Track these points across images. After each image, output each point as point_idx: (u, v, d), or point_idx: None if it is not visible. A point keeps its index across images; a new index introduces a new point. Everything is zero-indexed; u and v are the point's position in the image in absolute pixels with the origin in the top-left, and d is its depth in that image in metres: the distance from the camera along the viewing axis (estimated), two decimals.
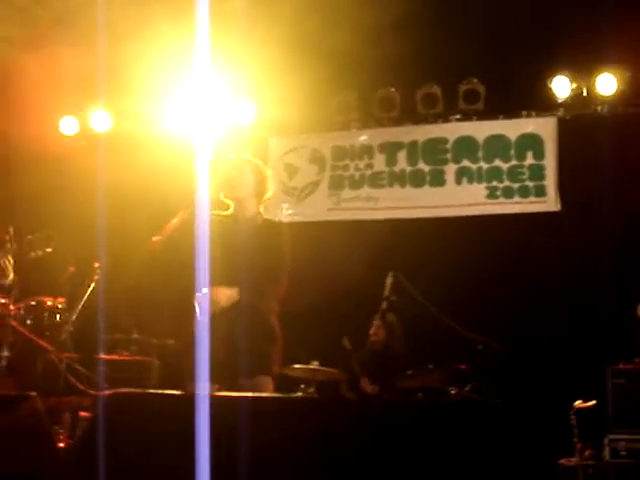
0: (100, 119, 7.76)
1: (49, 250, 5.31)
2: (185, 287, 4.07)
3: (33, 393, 3.55)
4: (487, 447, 2.69)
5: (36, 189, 7.17)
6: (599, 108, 6.93)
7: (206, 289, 3.93)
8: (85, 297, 6.02)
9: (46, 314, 5.87)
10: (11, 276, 5.58)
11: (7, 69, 6.98)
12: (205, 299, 3.94)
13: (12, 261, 5.59)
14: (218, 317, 4.11)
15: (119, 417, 2.52)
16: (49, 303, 5.92)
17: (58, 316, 5.89)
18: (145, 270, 5.65)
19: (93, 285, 6.04)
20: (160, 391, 2.82)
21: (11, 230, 5.55)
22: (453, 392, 5.63)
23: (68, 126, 7.84)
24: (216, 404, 2.57)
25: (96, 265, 6.11)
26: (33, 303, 5.88)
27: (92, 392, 5.82)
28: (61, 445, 4.88)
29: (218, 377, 3.75)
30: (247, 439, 2.51)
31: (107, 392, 5.69)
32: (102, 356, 6.34)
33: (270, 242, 4.34)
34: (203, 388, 3.08)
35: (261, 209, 4.53)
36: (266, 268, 4.24)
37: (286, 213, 7.51)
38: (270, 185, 4.57)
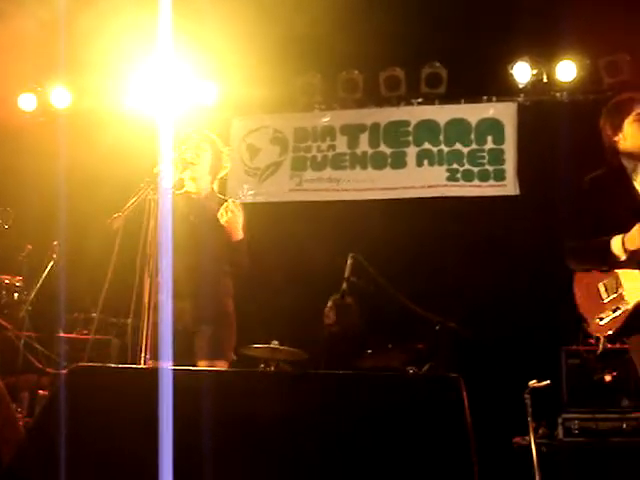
0: (59, 95, 7.65)
1: (6, 227, 5.24)
2: (143, 266, 4.10)
3: None
4: (444, 422, 2.74)
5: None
6: (558, 94, 7.03)
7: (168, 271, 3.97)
8: (43, 275, 5.96)
9: (3, 292, 5.79)
10: None
11: None
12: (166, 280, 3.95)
13: None
14: (178, 297, 4.13)
15: (79, 392, 2.50)
16: (6, 281, 5.84)
17: (16, 295, 5.82)
18: (104, 248, 5.60)
19: (52, 263, 5.99)
20: (121, 365, 2.82)
21: None
22: (411, 371, 5.70)
23: (27, 102, 7.72)
24: (178, 378, 2.59)
25: (55, 243, 6.05)
26: None
27: (50, 370, 5.79)
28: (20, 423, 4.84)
29: (175, 359, 3.80)
30: (209, 413, 2.53)
31: (65, 369, 5.69)
32: (62, 334, 6.31)
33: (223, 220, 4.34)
34: (166, 364, 3.12)
35: (215, 186, 4.52)
36: (220, 248, 4.25)
37: (248, 193, 7.51)
38: (225, 162, 4.57)
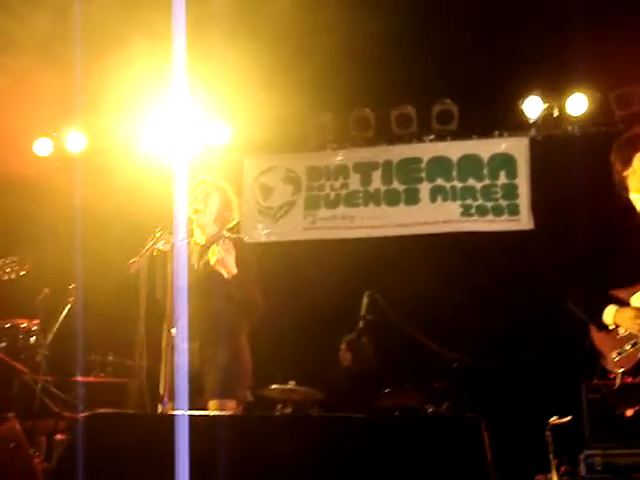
0: (75, 139, 7.73)
1: (23, 273, 5.27)
2: (160, 310, 4.12)
3: (11, 414, 3.51)
4: (464, 463, 2.71)
5: (10, 211, 7.11)
6: (570, 128, 7.05)
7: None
8: (60, 319, 5.97)
9: (21, 336, 5.81)
10: None
11: None
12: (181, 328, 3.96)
13: None
14: (189, 339, 4.15)
15: (97, 438, 2.50)
16: (23, 325, 5.87)
17: (33, 338, 5.84)
18: (120, 291, 5.62)
19: (68, 307, 6.00)
20: (137, 411, 2.81)
21: None
22: (430, 410, 5.65)
23: (42, 147, 7.81)
24: (194, 423, 2.58)
25: (71, 286, 6.07)
26: (7, 325, 5.83)
27: (68, 415, 5.77)
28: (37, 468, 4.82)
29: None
30: (226, 457, 2.52)
31: (84, 414, 5.68)
32: (79, 378, 6.30)
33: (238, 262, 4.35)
34: (182, 409, 3.11)
35: (223, 232, 4.52)
36: (231, 292, 4.25)
37: (262, 233, 7.53)
38: (235, 213, 4.59)
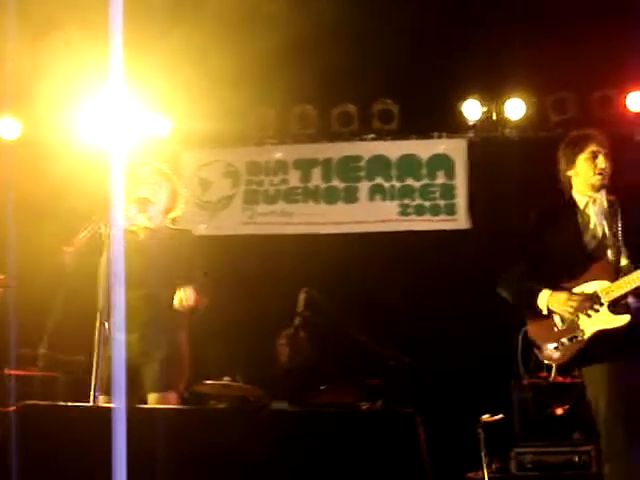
0: (9, 126, 7.52)
1: None
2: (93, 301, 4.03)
3: None
4: (400, 458, 2.73)
5: None
6: (507, 131, 7.18)
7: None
8: None
9: None
10: None
11: None
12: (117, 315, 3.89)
13: None
14: (127, 330, 4.09)
15: (30, 430, 2.43)
16: None
17: None
18: (54, 282, 5.50)
19: None
20: (72, 403, 2.75)
21: None
22: (365, 407, 5.67)
23: None
24: (131, 416, 2.53)
25: (1, 277, 5.90)
26: None
27: None
28: None
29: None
30: (164, 451, 2.48)
31: (14, 407, 5.53)
32: (10, 371, 6.14)
33: (179, 253, 4.31)
34: (119, 401, 3.05)
35: (167, 222, 4.48)
36: (171, 281, 4.20)
37: (200, 227, 7.45)
38: (180, 203, 4.54)
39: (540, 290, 3.78)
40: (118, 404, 2.82)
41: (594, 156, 3.85)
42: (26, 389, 6.11)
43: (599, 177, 3.83)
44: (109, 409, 2.51)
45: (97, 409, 2.87)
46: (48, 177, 6.95)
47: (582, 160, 3.87)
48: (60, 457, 2.41)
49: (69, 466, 2.36)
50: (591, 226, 3.81)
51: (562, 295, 3.73)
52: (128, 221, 4.29)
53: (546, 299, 3.75)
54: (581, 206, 3.88)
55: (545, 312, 3.77)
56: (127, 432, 2.16)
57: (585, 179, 3.86)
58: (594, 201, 3.85)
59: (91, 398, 3.63)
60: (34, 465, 2.40)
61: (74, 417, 2.55)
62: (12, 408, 5.53)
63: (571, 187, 3.94)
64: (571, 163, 3.91)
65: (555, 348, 3.75)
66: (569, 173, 3.92)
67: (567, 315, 3.71)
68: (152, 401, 4.10)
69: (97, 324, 3.88)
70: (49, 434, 2.44)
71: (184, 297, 4.10)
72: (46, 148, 7.45)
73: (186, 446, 2.65)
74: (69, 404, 2.62)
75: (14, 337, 5.75)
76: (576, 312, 3.69)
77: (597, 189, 3.85)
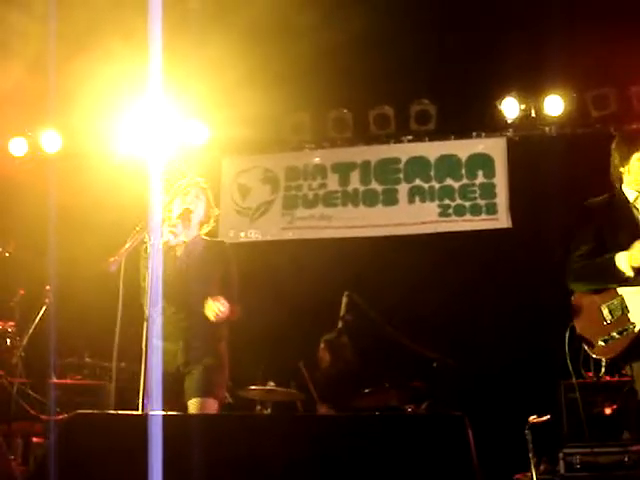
0: (50, 139, 7.64)
1: (7, 254, 5.12)
2: (138, 310, 4.07)
3: None
4: (450, 461, 2.70)
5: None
6: (547, 129, 7.09)
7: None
8: (36, 321, 5.90)
9: None
10: None
11: None
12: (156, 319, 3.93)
13: None
14: (171, 340, 4.14)
15: (77, 440, 2.45)
16: None
17: (8, 340, 5.76)
18: (95, 292, 5.57)
19: (44, 308, 5.93)
20: (117, 411, 2.77)
21: None
22: (410, 410, 5.64)
23: (17, 147, 7.70)
24: (169, 423, 2.55)
25: (47, 288, 6.00)
26: None
27: (44, 417, 5.70)
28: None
29: (165, 399, 3.78)
30: (201, 458, 2.48)
31: (62, 416, 5.61)
32: (54, 380, 6.22)
33: (215, 264, 4.34)
34: (157, 408, 3.09)
35: (202, 234, 4.52)
36: (210, 292, 4.23)
37: (240, 234, 7.49)
38: (213, 219, 4.57)
39: (613, 257, 3.68)
40: (155, 411, 2.85)
41: None
42: (73, 397, 6.19)
43: None
44: (146, 416, 2.53)
45: (137, 417, 2.87)
46: (89, 189, 7.05)
47: (636, 159, 3.83)
48: (104, 466, 2.42)
49: (113, 475, 2.36)
50: None
51: (636, 245, 3.62)
52: (174, 237, 4.33)
53: (626, 260, 3.64)
54: (631, 200, 3.85)
55: (631, 274, 3.63)
56: (165, 439, 2.17)
57: (637, 178, 3.82)
58: None
59: (140, 406, 3.67)
60: (79, 475, 2.41)
61: (117, 425, 2.56)
62: (59, 417, 5.64)
63: (621, 182, 3.90)
64: (625, 160, 3.87)
65: (605, 342, 3.69)
66: (621, 169, 3.89)
67: None
68: (192, 406, 4.13)
69: (144, 333, 3.91)
70: (98, 443, 2.44)
71: (217, 309, 4.13)
72: (86, 160, 7.56)
73: (229, 453, 2.64)
74: (118, 412, 2.63)
75: (55, 347, 5.84)
76: None
77: None
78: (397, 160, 7.43)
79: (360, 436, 2.82)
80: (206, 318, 4.21)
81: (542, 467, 5.47)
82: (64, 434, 2.57)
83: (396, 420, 3.04)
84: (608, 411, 5.54)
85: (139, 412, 3.46)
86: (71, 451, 2.41)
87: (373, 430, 2.84)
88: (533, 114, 7.05)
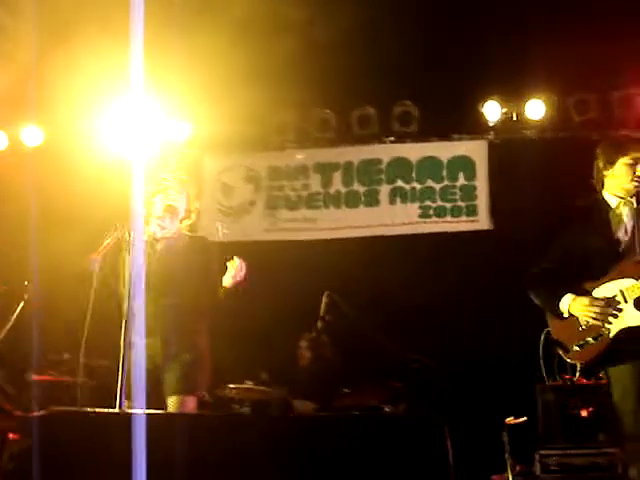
0: (30, 134, 7.58)
1: None
2: (118, 307, 4.06)
3: None
4: (420, 463, 2.71)
5: None
6: (528, 132, 7.14)
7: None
8: (14, 316, 5.85)
9: None
10: None
11: None
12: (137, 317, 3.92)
13: None
14: (150, 335, 4.11)
15: (55, 437, 2.43)
16: None
17: None
18: (76, 288, 5.54)
19: (22, 304, 5.88)
20: (98, 409, 2.76)
21: None
22: (387, 410, 5.67)
23: None
24: (152, 422, 2.54)
25: (26, 283, 5.95)
26: None
27: (19, 414, 5.65)
28: None
29: (146, 398, 3.77)
30: (184, 457, 2.48)
31: (39, 413, 5.57)
32: (34, 377, 6.18)
33: (196, 259, 4.33)
34: (139, 407, 3.08)
35: (183, 229, 4.50)
36: (195, 288, 4.23)
37: (222, 232, 7.47)
38: (194, 213, 4.55)
39: (563, 295, 3.75)
40: (138, 409, 2.84)
41: (635, 162, 3.83)
42: (51, 394, 6.15)
43: (636, 184, 3.80)
44: (129, 415, 2.52)
45: (122, 415, 2.86)
46: (70, 184, 6.99)
47: (621, 164, 3.84)
48: (85, 463, 2.40)
49: (92, 473, 2.34)
50: (622, 225, 3.79)
51: (584, 300, 3.70)
52: (163, 231, 4.31)
53: (568, 304, 3.74)
54: (612, 206, 3.86)
55: (566, 316, 3.75)
56: (148, 437, 2.17)
57: (621, 182, 3.83)
58: (625, 203, 3.83)
59: (117, 404, 3.66)
60: (58, 471, 2.39)
61: (100, 423, 2.54)
62: (36, 413, 5.59)
63: (603, 186, 3.92)
64: (610, 164, 3.87)
65: (580, 347, 3.73)
66: (605, 172, 3.89)
67: (590, 321, 3.69)
68: (171, 404, 4.11)
69: (122, 330, 3.90)
70: (75, 440, 2.43)
71: (236, 269, 4.12)
72: (68, 155, 7.49)
73: (206, 452, 2.63)
74: (95, 410, 2.61)
75: (36, 343, 5.80)
76: (598, 318, 3.67)
77: (631, 195, 3.81)
78: (379, 161, 7.46)
79: (339, 436, 2.83)
80: (187, 313, 4.21)
81: (518, 468, 5.51)
82: (40, 430, 2.55)
83: (375, 420, 3.05)
84: (584, 413, 5.59)
85: (116, 410, 3.45)
86: (47, 448, 2.39)
87: (352, 430, 2.85)
88: (515, 117, 7.10)
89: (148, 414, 2.80)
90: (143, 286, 3.97)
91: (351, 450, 2.75)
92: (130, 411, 3.35)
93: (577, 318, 3.75)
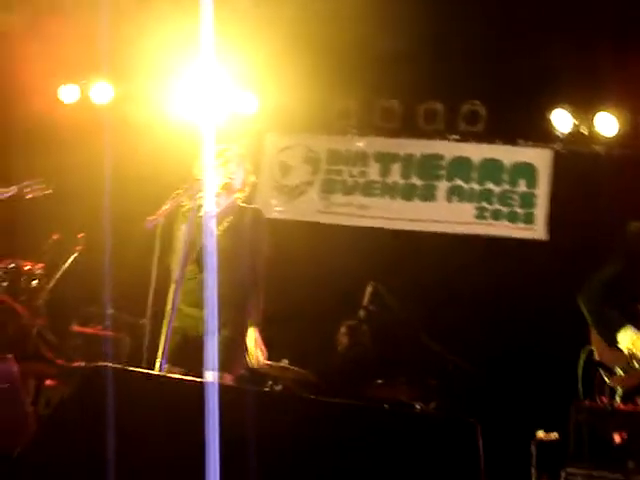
0: (102, 90, 7.66)
1: (48, 192, 5.15)
2: (169, 271, 4.11)
3: (10, 355, 3.50)
4: (450, 464, 2.69)
5: (35, 154, 6.97)
6: (596, 147, 6.99)
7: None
8: (65, 266, 5.96)
9: (23, 278, 5.79)
10: None
11: (9, 36, 6.90)
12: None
13: None
14: (196, 306, 4.15)
15: (100, 392, 2.45)
16: (27, 267, 5.84)
17: (35, 282, 5.82)
18: (133, 247, 5.60)
19: (75, 255, 6.00)
20: (151, 371, 2.78)
21: None
22: (418, 407, 5.65)
23: (68, 94, 7.73)
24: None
25: (80, 235, 6.06)
26: (11, 266, 5.79)
27: (60, 362, 5.78)
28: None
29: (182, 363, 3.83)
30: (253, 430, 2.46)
31: (82, 364, 5.68)
32: (75, 327, 6.31)
33: (248, 230, 4.34)
34: (212, 376, 3.09)
35: (237, 200, 4.50)
36: (242, 262, 4.24)
37: (275, 209, 7.51)
38: (248, 187, 4.56)
39: (623, 325, 3.65)
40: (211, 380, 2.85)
41: None
42: (90, 347, 6.27)
43: None
44: (200, 384, 2.52)
45: (181, 381, 2.86)
46: (134, 144, 7.06)
47: None
48: (123, 422, 2.40)
49: (139, 433, 2.34)
50: None
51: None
52: (217, 207, 4.33)
53: (630, 341, 3.62)
54: None
55: (625, 352, 3.64)
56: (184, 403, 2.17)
57: None
58: None
59: (157, 365, 3.71)
60: (98, 425, 2.40)
61: (149, 385, 2.55)
62: (79, 364, 5.71)
63: None
64: None
65: (625, 371, 3.66)
66: None
67: None
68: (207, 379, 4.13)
69: (170, 294, 3.94)
70: (119, 397, 2.43)
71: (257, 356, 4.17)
72: (136, 114, 7.56)
73: (238, 428, 2.60)
74: (143, 371, 2.62)
75: (82, 295, 5.85)
76: None
77: None
78: (440, 157, 7.39)
79: (367, 427, 2.80)
80: (233, 287, 4.22)
81: None
82: (84, 383, 2.57)
83: (407, 417, 3.02)
84: (617, 439, 5.49)
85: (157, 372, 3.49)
86: (91, 402, 2.40)
87: (382, 423, 2.83)
88: (584, 130, 6.95)
89: (220, 385, 2.76)
90: (193, 255, 4.01)
91: (377, 443, 2.72)
92: (182, 377, 3.38)
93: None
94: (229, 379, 4.21)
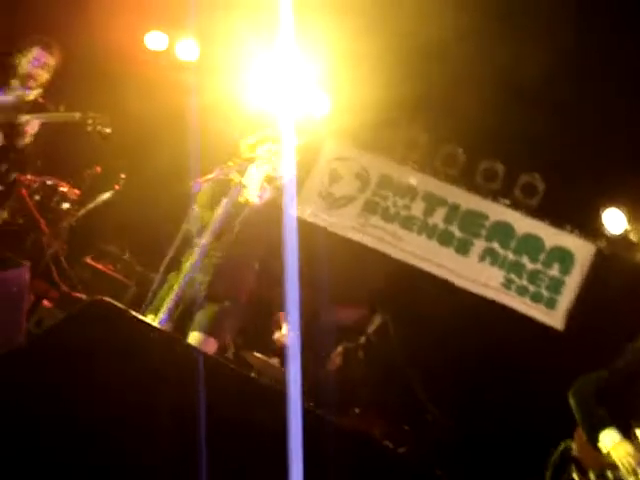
0: (187, 47, 7.65)
1: (108, 131, 5.20)
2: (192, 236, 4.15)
3: (27, 263, 3.55)
4: None
5: (107, 90, 6.99)
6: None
7: None
8: (99, 200, 6.02)
9: (56, 198, 5.85)
10: (27, 139, 5.38)
11: None
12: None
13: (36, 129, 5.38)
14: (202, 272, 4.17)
15: (99, 324, 2.44)
16: (63, 189, 5.91)
17: (67, 205, 5.88)
18: (167, 205, 5.64)
19: (111, 192, 6.05)
20: (153, 323, 2.78)
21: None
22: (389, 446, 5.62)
23: (155, 41, 7.75)
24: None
25: (122, 176, 6.11)
26: (49, 182, 5.86)
27: (64, 288, 5.83)
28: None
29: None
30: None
31: (84, 295, 5.72)
32: (89, 260, 6.36)
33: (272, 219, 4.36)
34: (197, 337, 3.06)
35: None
36: (254, 245, 4.28)
37: (308, 212, 7.51)
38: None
39: (607, 426, 3.61)
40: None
41: None
42: (95, 282, 6.31)
43: None
44: (177, 340, 2.53)
45: (164, 335, 2.86)
46: (209, 104, 7.00)
47: None
48: (106, 362, 2.38)
49: (109, 373, 2.31)
50: None
51: (627, 447, 3.56)
52: (259, 200, 4.35)
53: (611, 443, 3.58)
54: None
55: (603, 452, 3.60)
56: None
57: None
58: None
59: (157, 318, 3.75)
60: (84, 359, 2.38)
61: (152, 335, 2.54)
62: (80, 295, 5.75)
63: None
64: None
65: (596, 477, 3.62)
66: None
67: (623, 468, 3.56)
68: (192, 338, 4.12)
69: (188, 259, 3.97)
70: (114, 336, 2.42)
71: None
72: (219, 75, 7.50)
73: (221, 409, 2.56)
74: (141, 317, 2.61)
75: (105, 231, 5.83)
76: (633, 469, 3.54)
77: None
78: (486, 217, 7.37)
79: (344, 450, 2.76)
80: (240, 266, 4.25)
81: None
82: (82, 314, 2.55)
83: (381, 449, 2.99)
84: None
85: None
86: (82, 334, 2.39)
87: (357, 449, 2.79)
88: (634, 238, 6.90)
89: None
90: (214, 226, 4.03)
91: (341, 466, 2.68)
92: (171, 333, 3.41)
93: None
94: (214, 345, 4.22)
